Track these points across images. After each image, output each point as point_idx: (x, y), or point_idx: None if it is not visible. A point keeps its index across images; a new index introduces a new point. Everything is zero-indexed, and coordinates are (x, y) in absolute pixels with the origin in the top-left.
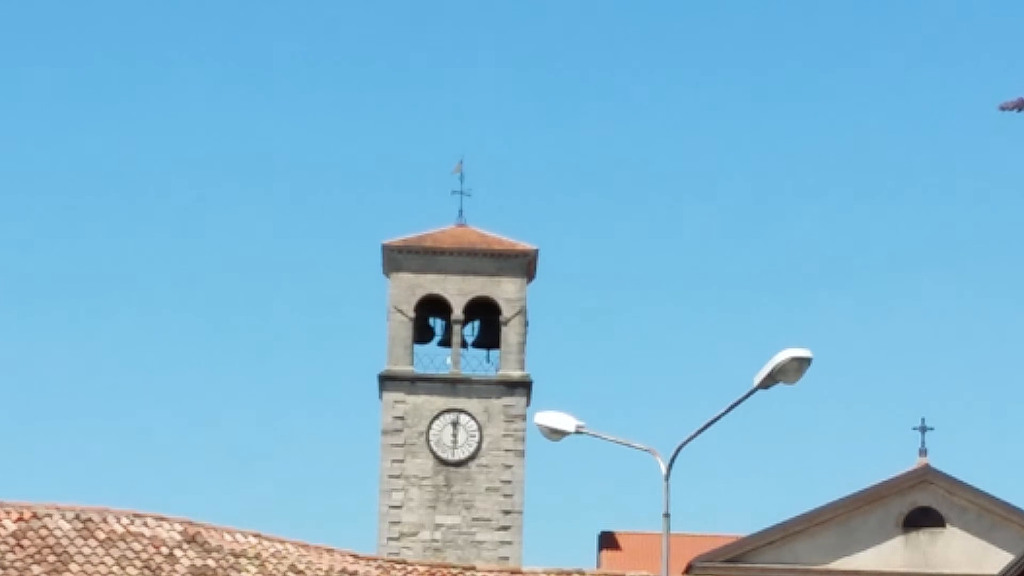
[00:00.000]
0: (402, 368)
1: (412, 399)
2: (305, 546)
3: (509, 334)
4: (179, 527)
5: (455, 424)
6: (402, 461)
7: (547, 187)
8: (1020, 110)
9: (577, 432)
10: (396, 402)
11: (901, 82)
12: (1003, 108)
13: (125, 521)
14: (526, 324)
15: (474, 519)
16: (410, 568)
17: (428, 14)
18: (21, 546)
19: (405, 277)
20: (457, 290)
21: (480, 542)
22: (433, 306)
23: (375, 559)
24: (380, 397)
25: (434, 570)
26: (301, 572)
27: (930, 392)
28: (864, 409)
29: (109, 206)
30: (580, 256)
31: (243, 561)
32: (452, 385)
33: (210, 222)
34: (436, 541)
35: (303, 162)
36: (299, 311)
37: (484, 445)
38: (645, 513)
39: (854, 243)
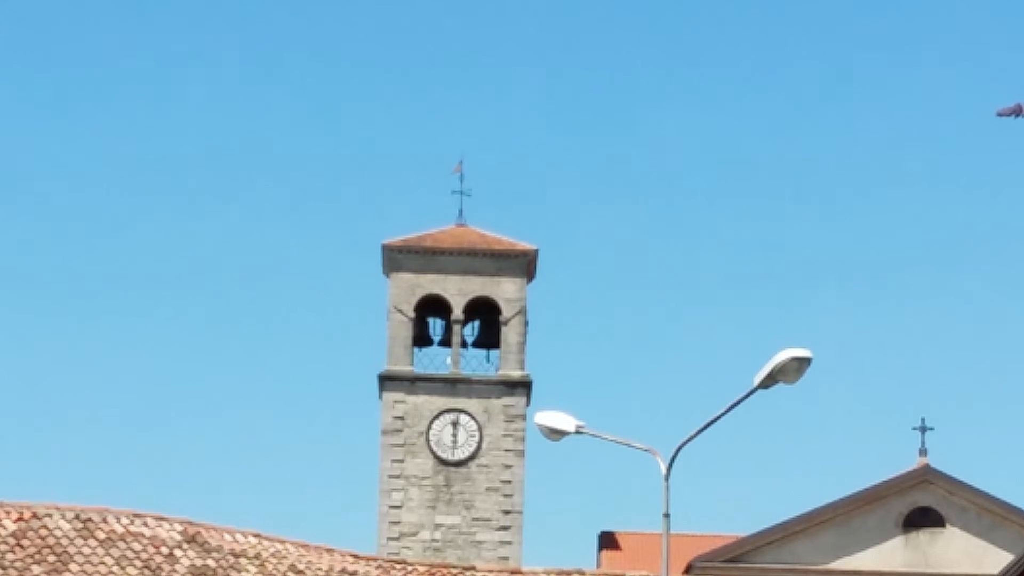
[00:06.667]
0: (402, 368)
1: (412, 399)
2: (305, 546)
3: (509, 334)
4: (179, 527)
5: (455, 424)
6: (402, 461)
7: (547, 187)
8: (1017, 115)
9: (577, 432)
10: (396, 402)
11: (901, 84)
12: (1000, 114)
13: (125, 521)
14: (526, 324)
15: (474, 519)
16: (410, 568)
17: (428, 14)
18: (21, 546)
19: (405, 277)
20: (457, 290)
21: (480, 542)
22: (433, 306)
23: (375, 559)
24: (380, 397)
25: (434, 570)
26: (301, 572)
27: (930, 392)
28: (864, 409)
29: (109, 205)
30: (580, 256)
31: (243, 561)
32: (452, 385)
33: (210, 222)
34: (436, 541)
35: (303, 162)
36: (299, 311)
37: (484, 445)
38: (645, 513)
39: (854, 243)
